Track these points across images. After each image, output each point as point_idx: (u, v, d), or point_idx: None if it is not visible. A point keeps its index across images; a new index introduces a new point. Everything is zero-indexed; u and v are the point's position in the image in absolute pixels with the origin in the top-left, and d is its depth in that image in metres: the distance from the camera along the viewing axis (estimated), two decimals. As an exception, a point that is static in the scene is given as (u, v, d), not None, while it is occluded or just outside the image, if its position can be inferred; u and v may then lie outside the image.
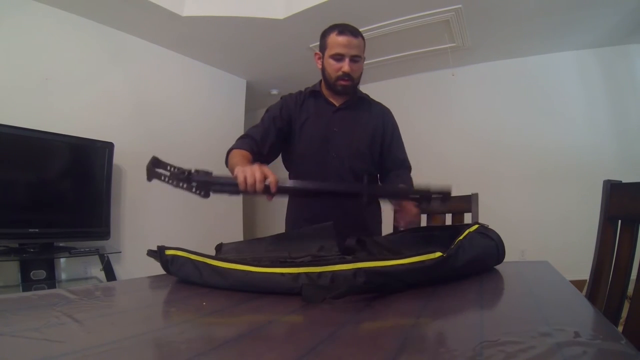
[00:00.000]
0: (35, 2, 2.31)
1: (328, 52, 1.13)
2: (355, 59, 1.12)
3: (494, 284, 0.66)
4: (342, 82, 1.14)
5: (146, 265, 0.88)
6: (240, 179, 0.79)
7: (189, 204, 3.19)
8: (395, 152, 1.27)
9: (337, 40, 1.10)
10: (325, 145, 1.19)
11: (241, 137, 1.19)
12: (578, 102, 3.21)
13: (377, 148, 1.25)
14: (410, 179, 1.24)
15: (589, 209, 1.33)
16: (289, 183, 0.92)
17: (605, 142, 3.09)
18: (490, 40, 3.08)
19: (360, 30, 1.18)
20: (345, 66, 1.11)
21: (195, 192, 0.81)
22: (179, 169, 0.81)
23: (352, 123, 1.21)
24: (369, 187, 0.85)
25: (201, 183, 0.81)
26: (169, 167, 0.82)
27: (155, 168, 0.82)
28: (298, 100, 1.24)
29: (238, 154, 1.07)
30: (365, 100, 1.27)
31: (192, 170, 0.81)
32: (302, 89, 1.28)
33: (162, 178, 0.82)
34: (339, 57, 1.11)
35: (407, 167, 1.29)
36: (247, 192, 0.80)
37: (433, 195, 0.86)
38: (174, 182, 0.81)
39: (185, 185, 0.80)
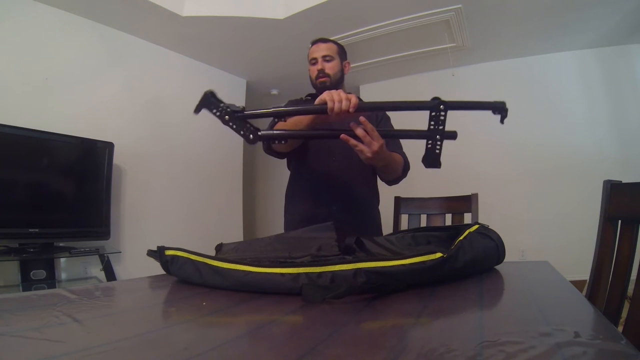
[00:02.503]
0: (35, 2, 2.31)
1: (309, 61, 1.33)
2: (326, 58, 1.29)
3: (494, 284, 0.66)
4: (321, 79, 1.29)
5: (146, 265, 0.88)
6: (329, 98, 0.88)
7: (189, 204, 3.20)
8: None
9: (311, 50, 1.33)
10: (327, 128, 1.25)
11: (273, 124, 1.22)
12: (578, 102, 3.21)
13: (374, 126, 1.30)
14: (396, 151, 1.24)
15: (589, 209, 1.33)
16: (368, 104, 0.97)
17: (605, 142, 3.09)
18: (490, 40, 3.08)
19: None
20: (319, 65, 1.29)
21: (243, 134, 0.85)
22: (231, 105, 0.84)
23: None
24: (443, 101, 0.84)
25: (278, 112, 0.88)
26: (221, 105, 0.84)
27: (210, 100, 0.84)
28: (301, 101, 1.37)
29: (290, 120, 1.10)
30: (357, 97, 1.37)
31: (243, 108, 0.85)
32: (304, 96, 1.41)
33: (214, 111, 0.84)
34: (314, 62, 1.31)
35: (396, 144, 1.28)
36: (331, 115, 0.87)
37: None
38: (225, 118, 0.84)
39: (236, 124, 0.84)
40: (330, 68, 1.29)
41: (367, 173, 1.31)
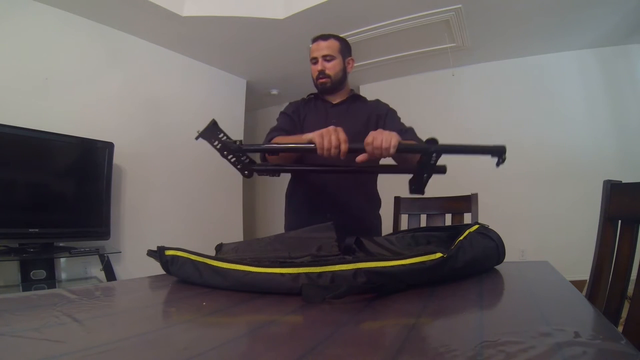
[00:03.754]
0: (35, 2, 2.31)
1: (310, 61, 1.29)
2: (327, 58, 1.24)
3: (494, 284, 0.66)
4: (321, 80, 1.26)
5: (146, 265, 0.88)
6: (320, 146, 0.85)
7: (189, 204, 3.20)
8: (391, 125, 1.22)
9: (311, 48, 1.27)
10: None
11: (270, 132, 1.24)
12: (578, 102, 3.21)
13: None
14: (412, 138, 1.15)
15: (589, 209, 1.33)
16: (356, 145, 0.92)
17: (606, 142, 3.09)
18: (490, 40, 3.08)
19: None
20: (319, 65, 1.25)
21: (240, 169, 0.86)
22: (229, 138, 0.84)
23: (347, 115, 1.28)
24: (436, 147, 0.81)
25: (274, 148, 0.89)
26: (221, 135, 0.84)
27: (212, 130, 0.84)
28: (301, 103, 1.37)
29: (284, 138, 1.12)
30: (361, 97, 1.35)
31: (240, 142, 0.85)
32: (305, 96, 1.39)
33: (214, 142, 0.84)
34: (314, 61, 1.26)
35: (409, 132, 1.19)
36: (323, 154, 0.85)
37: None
38: (224, 153, 0.85)
39: (232, 158, 0.85)
40: (331, 68, 1.25)
41: (365, 179, 1.29)
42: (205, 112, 3.40)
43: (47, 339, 0.38)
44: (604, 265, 0.78)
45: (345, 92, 1.32)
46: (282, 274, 0.56)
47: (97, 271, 2.43)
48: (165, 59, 3.09)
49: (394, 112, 1.30)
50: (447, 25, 2.78)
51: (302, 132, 1.28)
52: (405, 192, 1.56)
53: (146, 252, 0.74)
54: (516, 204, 3.27)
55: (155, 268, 0.73)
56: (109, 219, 2.46)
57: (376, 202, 1.35)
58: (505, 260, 0.76)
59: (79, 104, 2.50)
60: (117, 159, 2.56)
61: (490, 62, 3.48)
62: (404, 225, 1.46)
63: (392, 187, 1.38)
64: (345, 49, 1.29)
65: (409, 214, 1.53)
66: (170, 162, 3.06)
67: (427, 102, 3.71)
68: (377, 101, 1.33)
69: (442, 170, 0.86)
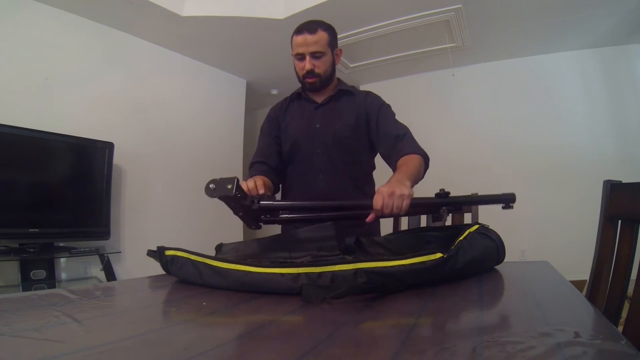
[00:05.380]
0: (35, 2, 2.31)
1: (293, 54, 1.15)
2: (316, 55, 1.11)
3: (494, 284, 0.66)
4: (309, 80, 1.14)
5: (146, 265, 0.88)
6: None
7: (189, 204, 3.20)
8: (385, 128, 1.16)
9: (296, 41, 1.11)
10: (310, 142, 1.18)
11: (250, 168, 1.21)
12: (578, 102, 3.22)
13: (364, 134, 1.20)
14: (411, 149, 1.11)
15: (589, 209, 1.33)
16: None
17: (605, 142, 3.10)
18: (490, 40, 3.08)
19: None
20: (307, 64, 1.11)
21: (248, 224, 0.86)
22: (242, 195, 0.78)
23: (333, 116, 1.19)
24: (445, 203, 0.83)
25: (291, 207, 0.88)
26: (239, 195, 0.77)
27: (234, 191, 0.75)
28: (283, 106, 1.27)
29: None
30: (348, 92, 1.23)
31: (257, 199, 0.83)
32: (287, 95, 1.30)
33: (231, 204, 0.79)
34: (300, 57, 1.12)
35: (406, 138, 1.14)
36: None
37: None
38: (239, 214, 0.82)
39: (241, 214, 0.83)
40: (321, 66, 1.12)
41: (362, 181, 1.23)
42: (205, 112, 3.40)
43: (47, 339, 0.38)
44: (604, 265, 0.78)
45: (332, 87, 1.21)
46: (282, 274, 0.56)
47: (97, 271, 2.43)
48: (165, 59, 3.09)
49: (387, 107, 1.21)
50: (447, 25, 2.78)
51: (284, 136, 1.22)
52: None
53: (146, 252, 0.74)
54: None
55: (155, 268, 0.73)
56: (109, 219, 2.45)
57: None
58: (505, 260, 0.76)
59: (79, 104, 2.50)
60: (117, 159, 2.55)
61: (490, 62, 3.48)
62: (404, 225, 1.46)
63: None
64: (334, 39, 1.16)
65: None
66: (170, 161, 3.06)
67: (427, 102, 3.71)
68: (367, 94, 1.23)
69: (511, 199, 0.83)
